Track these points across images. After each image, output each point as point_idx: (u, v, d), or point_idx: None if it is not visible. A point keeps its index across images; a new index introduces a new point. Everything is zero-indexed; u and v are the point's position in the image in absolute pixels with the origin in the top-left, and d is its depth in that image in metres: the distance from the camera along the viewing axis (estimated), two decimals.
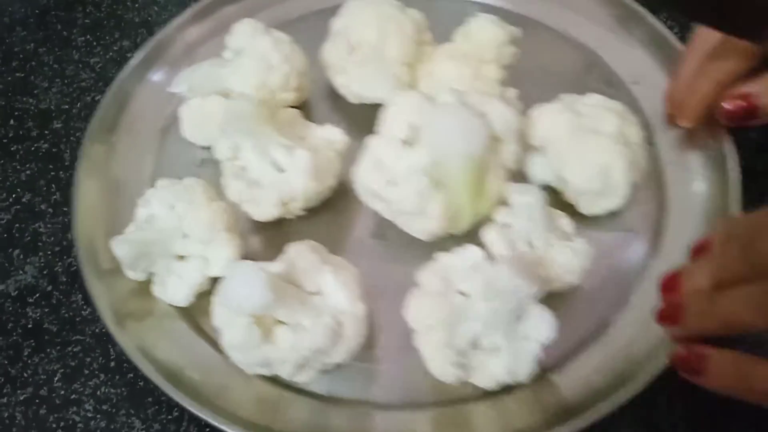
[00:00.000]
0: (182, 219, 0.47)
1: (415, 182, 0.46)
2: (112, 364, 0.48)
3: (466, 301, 0.42)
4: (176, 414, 0.45)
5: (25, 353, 0.49)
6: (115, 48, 0.66)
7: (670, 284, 0.36)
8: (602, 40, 0.62)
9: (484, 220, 0.48)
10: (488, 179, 0.47)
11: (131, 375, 0.48)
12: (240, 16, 0.58)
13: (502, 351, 0.43)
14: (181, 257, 0.48)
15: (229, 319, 0.43)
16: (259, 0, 0.66)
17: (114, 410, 0.46)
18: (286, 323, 0.43)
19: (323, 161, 0.49)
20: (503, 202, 0.47)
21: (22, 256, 0.54)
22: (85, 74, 0.64)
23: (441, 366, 0.43)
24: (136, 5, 0.70)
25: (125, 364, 0.48)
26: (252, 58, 0.53)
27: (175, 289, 0.47)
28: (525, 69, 0.56)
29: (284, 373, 0.44)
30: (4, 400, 0.47)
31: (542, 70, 0.58)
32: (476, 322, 0.42)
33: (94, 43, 0.66)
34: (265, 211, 0.49)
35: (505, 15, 0.57)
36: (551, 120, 0.50)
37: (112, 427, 0.46)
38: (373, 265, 0.50)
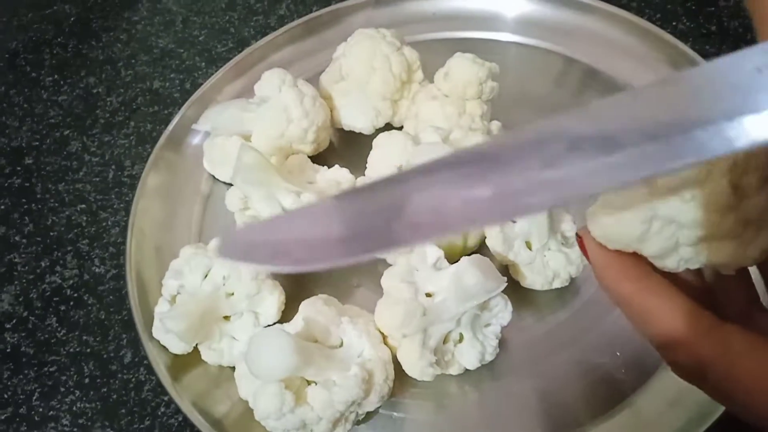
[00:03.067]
0: (226, 280, 0.51)
1: None
2: (87, 380, 0.57)
3: (436, 303, 0.49)
4: (148, 423, 0.51)
5: (5, 375, 0.57)
6: (81, 85, 0.75)
7: None
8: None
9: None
10: None
11: (105, 390, 0.56)
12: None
13: (470, 341, 0.49)
14: (227, 318, 0.53)
15: (258, 389, 0.46)
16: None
17: (90, 423, 0.54)
18: (315, 382, 0.47)
19: None
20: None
21: None
22: (54, 111, 0.74)
23: (421, 368, 0.48)
24: (101, 44, 0.78)
25: (98, 380, 0.55)
26: (274, 109, 0.61)
27: (231, 349, 0.52)
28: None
29: (320, 431, 0.48)
30: None
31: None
32: (449, 322, 0.48)
33: (61, 82, 0.74)
34: None
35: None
36: None
37: None
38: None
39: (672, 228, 0.27)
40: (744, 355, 0.25)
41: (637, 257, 0.28)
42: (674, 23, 0.73)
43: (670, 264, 0.28)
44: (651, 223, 0.27)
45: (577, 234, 0.31)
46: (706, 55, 0.67)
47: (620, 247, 0.28)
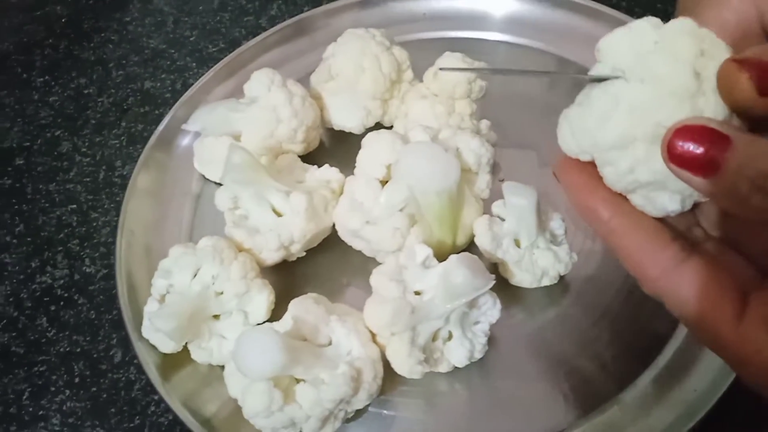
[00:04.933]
0: (215, 279, 0.51)
1: (393, 220, 0.53)
2: (77, 380, 0.57)
3: (424, 301, 0.49)
4: (138, 422, 0.51)
5: None
6: (72, 86, 0.75)
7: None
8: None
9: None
10: (463, 211, 0.54)
11: (94, 389, 0.56)
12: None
13: (458, 338, 0.49)
14: (216, 316, 0.52)
15: (246, 387, 0.46)
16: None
17: (80, 422, 0.55)
18: (304, 380, 0.47)
19: (319, 202, 0.57)
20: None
21: None
22: (45, 112, 0.74)
23: (409, 366, 0.48)
24: (91, 45, 0.78)
25: (88, 380, 0.56)
26: (263, 109, 0.60)
27: (221, 348, 0.52)
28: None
29: (309, 429, 0.48)
30: None
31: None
32: (437, 320, 0.48)
33: (52, 83, 0.75)
34: (267, 256, 0.56)
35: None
36: None
37: None
38: None
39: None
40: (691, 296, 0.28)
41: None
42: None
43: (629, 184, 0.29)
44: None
45: (553, 172, 0.32)
46: None
47: (581, 150, 0.30)
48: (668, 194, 0.29)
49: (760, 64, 0.25)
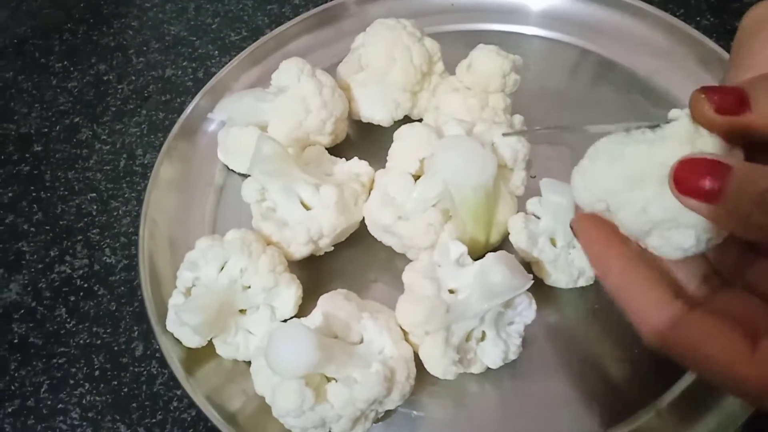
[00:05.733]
0: (243, 272, 0.50)
1: (426, 216, 0.51)
2: (97, 373, 0.56)
3: (459, 300, 0.47)
4: (160, 417, 0.50)
5: (12, 367, 0.56)
6: (91, 72, 0.74)
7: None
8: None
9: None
10: (498, 208, 0.53)
11: (115, 383, 0.55)
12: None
13: (493, 339, 0.48)
14: (243, 311, 0.51)
15: (277, 385, 0.45)
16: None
17: (100, 417, 0.53)
18: (335, 379, 0.45)
19: (349, 195, 0.55)
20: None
21: (6, 275, 0.61)
22: (63, 98, 0.73)
23: (443, 367, 0.47)
24: (111, 30, 0.77)
25: (108, 373, 0.54)
26: (292, 100, 0.59)
27: (247, 343, 0.51)
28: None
29: (339, 429, 0.47)
30: None
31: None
32: (472, 320, 0.47)
33: (71, 69, 0.73)
34: (295, 250, 0.54)
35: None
36: None
37: None
38: None
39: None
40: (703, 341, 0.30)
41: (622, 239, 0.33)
42: (698, 18, 0.72)
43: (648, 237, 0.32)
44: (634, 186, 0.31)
45: (570, 225, 0.35)
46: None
47: (596, 199, 0.32)
48: (683, 231, 0.30)
49: (716, 90, 0.29)
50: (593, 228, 0.33)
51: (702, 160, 0.28)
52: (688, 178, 0.28)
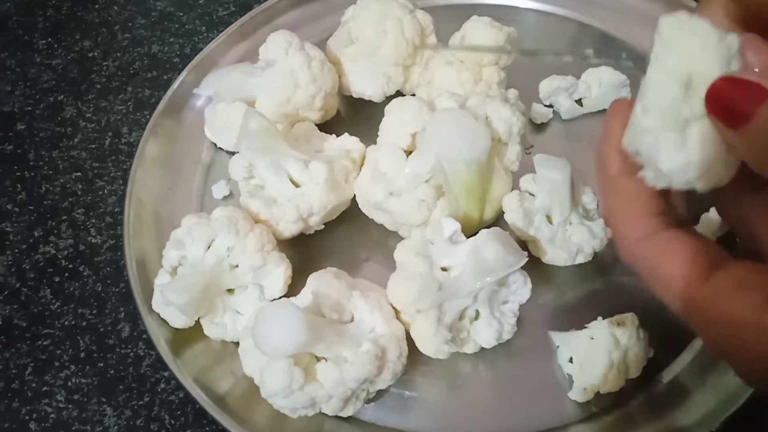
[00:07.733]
0: (230, 251, 0.48)
1: (418, 192, 0.50)
2: (82, 355, 0.55)
3: (452, 278, 0.46)
4: (147, 399, 0.49)
5: None
6: (76, 49, 0.73)
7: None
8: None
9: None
10: (492, 184, 0.52)
11: (101, 365, 0.54)
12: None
13: (486, 318, 0.47)
14: (230, 291, 0.50)
15: (265, 365, 0.43)
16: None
17: (85, 399, 0.52)
18: (325, 358, 0.44)
19: (340, 172, 0.54)
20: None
21: None
22: (47, 76, 0.71)
23: (436, 346, 0.46)
24: (96, 6, 0.76)
25: (94, 355, 0.53)
26: (281, 74, 0.57)
27: (236, 324, 0.50)
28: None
29: (330, 409, 0.46)
30: None
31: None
32: (465, 298, 0.46)
33: (55, 45, 0.72)
34: (284, 228, 0.53)
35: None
36: None
37: (84, 415, 0.52)
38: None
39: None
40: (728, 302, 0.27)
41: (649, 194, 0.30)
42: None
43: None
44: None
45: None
46: None
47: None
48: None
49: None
50: (620, 115, 0.31)
51: (743, 81, 0.26)
52: (723, 96, 0.26)
